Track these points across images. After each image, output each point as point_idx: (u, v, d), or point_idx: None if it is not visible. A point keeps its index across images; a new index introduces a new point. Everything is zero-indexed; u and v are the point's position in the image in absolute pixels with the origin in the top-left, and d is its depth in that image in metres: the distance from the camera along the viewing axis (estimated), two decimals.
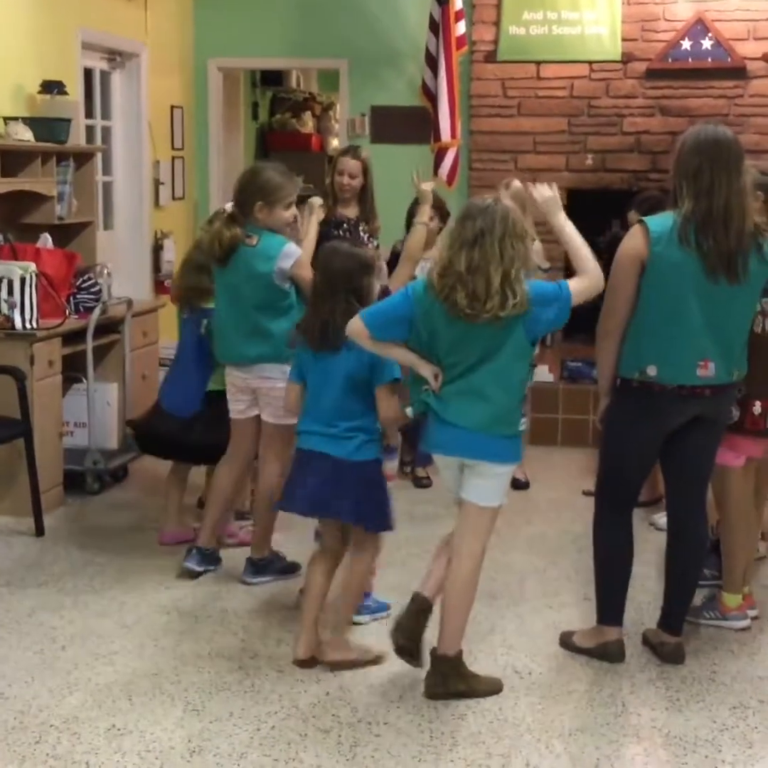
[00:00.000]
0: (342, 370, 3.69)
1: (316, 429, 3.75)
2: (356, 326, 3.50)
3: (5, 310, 5.19)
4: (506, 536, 4.97)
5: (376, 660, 3.78)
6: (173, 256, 7.60)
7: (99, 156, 6.69)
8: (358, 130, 8.01)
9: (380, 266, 4.76)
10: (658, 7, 7.32)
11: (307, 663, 3.79)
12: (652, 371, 3.63)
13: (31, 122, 5.68)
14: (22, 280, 5.22)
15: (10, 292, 5.19)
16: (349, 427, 3.70)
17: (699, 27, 7.23)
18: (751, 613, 4.21)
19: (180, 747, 3.28)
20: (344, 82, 8.09)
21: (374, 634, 4.01)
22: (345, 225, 5.34)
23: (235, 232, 4.29)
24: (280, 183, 4.29)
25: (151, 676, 3.73)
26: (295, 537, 4.76)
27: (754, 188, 3.89)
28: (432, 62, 7.16)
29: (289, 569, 4.57)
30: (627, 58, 7.38)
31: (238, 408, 4.51)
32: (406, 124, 7.73)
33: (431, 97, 7.19)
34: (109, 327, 5.98)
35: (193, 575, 4.56)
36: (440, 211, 5.57)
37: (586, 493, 5.20)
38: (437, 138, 7.15)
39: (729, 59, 7.24)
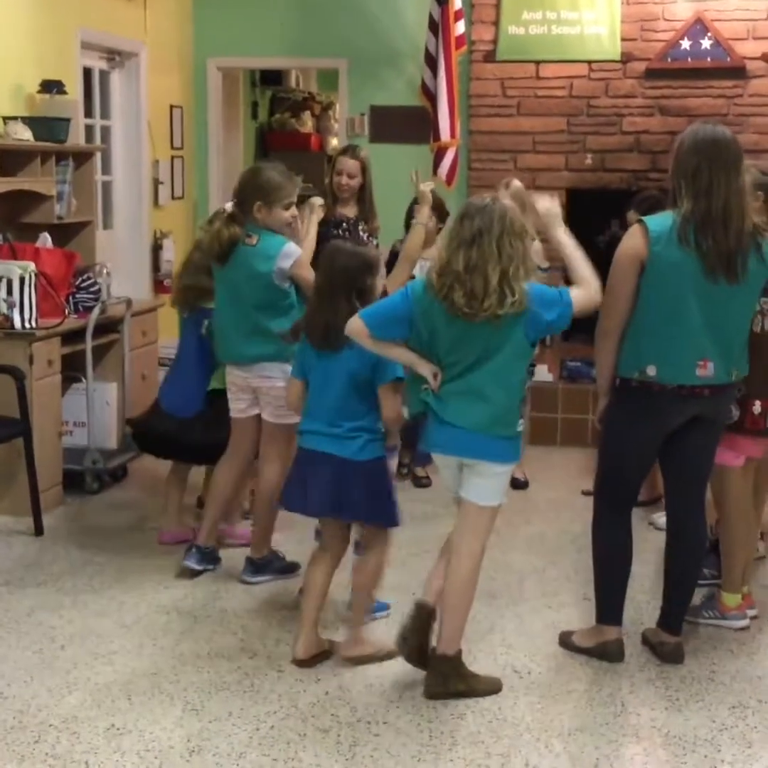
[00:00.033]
0: (344, 369, 3.69)
1: (319, 428, 3.74)
2: (356, 325, 3.50)
3: (4, 309, 5.19)
4: (505, 536, 4.97)
5: (391, 654, 3.76)
6: (172, 255, 7.60)
7: (98, 155, 6.69)
8: (357, 130, 8.01)
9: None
10: (657, 6, 7.32)
11: (307, 662, 3.79)
12: (651, 371, 3.63)
13: (30, 122, 5.68)
14: (22, 280, 5.22)
15: (10, 291, 5.19)
16: (352, 427, 3.70)
17: (698, 27, 7.23)
18: (751, 612, 4.21)
19: (179, 746, 3.28)
20: (343, 81, 8.09)
21: (374, 634, 4.01)
22: (344, 224, 5.34)
23: (234, 230, 4.29)
24: (279, 183, 4.29)
25: (151, 675, 3.73)
26: (295, 537, 4.76)
27: (754, 188, 3.89)
28: (431, 62, 7.16)
29: (289, 569, 4.57)
30: (626, 58, 7.37)
31: (238, 407, 4.51)
32: (406, 124, 7.72)
33: (430, 96, 7.19)
34: (109, 326, 5.98)
35: (192, 574, 4.56)
36: (439, 210, 5.57)
37: (585, 493, 5.20)
38: (436, 138, 7.15)
39: (728, 59, 7.24)
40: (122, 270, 7.01)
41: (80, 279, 5.82)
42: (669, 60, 7.32)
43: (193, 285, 4.71)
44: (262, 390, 4.40)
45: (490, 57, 7.51)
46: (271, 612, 4.26)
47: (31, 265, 5.33)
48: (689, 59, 7.28)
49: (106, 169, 7.23)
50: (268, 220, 4.28)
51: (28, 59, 5.94)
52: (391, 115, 7.88)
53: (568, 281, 3.56)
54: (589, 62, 7.42)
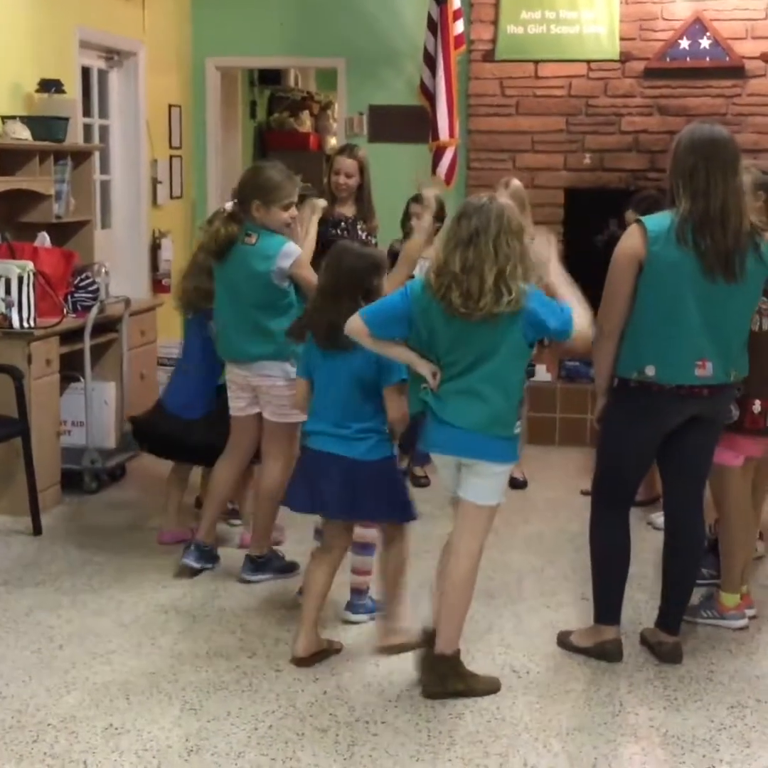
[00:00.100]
0: (349, 369, 3.69)
1: (326, 429, 3.75)
2: (356, 324, 3.51)
3: (3, 308, 5.19)
4: (504, 535, 4.97)
5: (422, 643, 3.74)
6: (171, 255, 7.60)
7: (97, 155, 6.69)
8: (356, 130, 8.00)
9: None
10: (656, 6, 7.31)
11: (306, 661, 3.79)
12: (650, 371, 3.63)
13: (28, 121, 5.67)
14: (20, 279, 5.21)
15: (8, 290, 5.19)
16: (361, 428, 3.70)
17: (697, 26, 7.22)
18: (749, 612, 4.21)
19: (177, 746, 3.28)
20: (342, 81, 8.08)
21: (373, 634, 4.02)
22: (342, 224, 5.35)
23: (232, 229, 4.30)
24: (278, 183, 4.29)
25: (149, 675, 3.73)
26: (295, 536, 4.76)
27: (755, 188, 3.89)
28: (430, 61, 7.15)
29: (288, 568, 4.57)
30: (625, 58, 7.37)
31: (238, 405, 4.51)
32: (405, 124, 7.72)
33: (429, 96, 7.18)
34: (107, 326, 5.98)
35: (191, 572, 4.56)
36: (438, 210, 5.56)
37: (584, 493, 5.19)
38: (435, 137, 7.14)
39: (727, 58, 7.23)
40: (121, 269, 7.00)
41: (79, 278, 5.82)
42: (668, 59, 7.31)
43: (198, 286, 4.69)
44: (262, 389, 4.40)
45: (488, 56, 7.50)
46: (270, 611, 4.25)
47: (30, 265, 5.33)
48: (688, 59, 7.27)
49: (105, 168, 7.22)
50: (266, 219, 4.28)
51: (26, 58, 5.94)
52: (389, 115, 7.88)
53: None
54: (588, 62, 7.41)
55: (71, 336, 5.59)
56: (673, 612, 3.91)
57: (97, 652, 3.89)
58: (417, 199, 5.85)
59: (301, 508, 3.91)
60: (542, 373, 6.76)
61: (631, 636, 4.00)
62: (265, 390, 4.39)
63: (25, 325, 5.24)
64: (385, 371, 3.66)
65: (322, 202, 4.67)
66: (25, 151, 5.59)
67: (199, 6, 8.05)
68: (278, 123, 10.57)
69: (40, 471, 5.14)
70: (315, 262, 4.21)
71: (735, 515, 4.10)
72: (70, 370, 5.67)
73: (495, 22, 7.47)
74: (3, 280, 5.18)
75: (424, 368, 3.49)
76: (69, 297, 5.71)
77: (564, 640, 3.99)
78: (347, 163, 5.38)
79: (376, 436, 3.72)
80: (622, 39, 7.35)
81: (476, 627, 4.03)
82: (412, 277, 4.02)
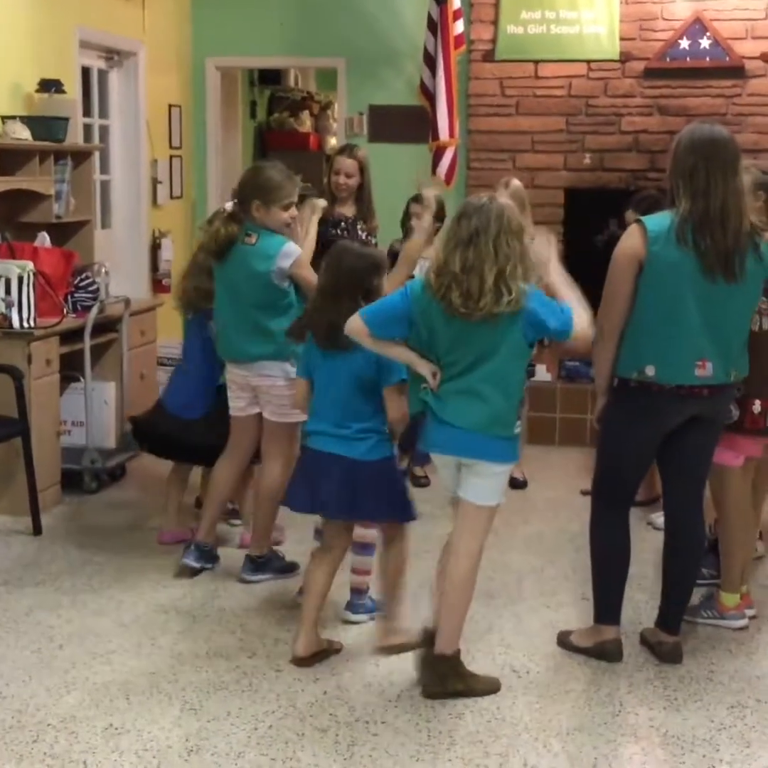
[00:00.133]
0: (350, 369, 3.69)
1: (327, 429, 3.75)
2: (356, 324, 3.51)
3: (3, 308, 5.19)
4: (504, 535, 4.97)
5: (422, 643, 3.74)
6: (171, 255, 7.60)
7: (97, 155, 6.69)
8: (356, 129, 8.00)
9: None
10: (656, 6, 7.31)
11: (306, 661, 3.79)
12: (650, 371, 3.63)
13: (28, 121, 5.67)
14: (20, 279, 5.21)
15: (8, 290, 5.19)
16: (361, 428, 3.71)
17: (697, 26, 7.22)
18: (749, 612, 4.21)
19: (177, 746, 3.28)
20: (342, 81, 8.08)
21: (373, 634, 4.02)
22: (342, 224, 5.35)
23: (231, 229, 4.30)
24: (278, 183, 4.29)
25: (149, 675, 3.73)
26: (295, 536, 4.76)
27: (755, 187, 3.89)
28: (430, 61, 7.15)
29: (288, 569, 4.57)
30: (625, 58, 7.37)
31: (238, 405, 4.51)
32: (404, 124, 7.72)
33: (429, 96, 7.18)
34: (107, 326, 5.98)
35: (191, 572, 4.56)
36: (438, 210, 5.56)
37: (583, 493, 5.19)
38: (435, 137, 7.14)
39: (727, 58, 7.23)
40: (121, 269, 7.00)
41: (79, 278, 5.82)
42: (668, 59, 7.31)
43: (198, 286, 4.69)
44: (261, 389, 4.40)
45: (488, 56, 7.50)
46: (270, 611, 4.25)
47: (30, 265, 5.33)
48: (688, 59, 7.27)
49: (105, 168, 7.22)
50: (266, 219, 4.28)
51: (26, 58, 5.94)
52: (389, 115, 7.88)
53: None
54: (588, 62, 7.41)
55: (71, 336, 5.59)
56: (673, 612, 3.91)
57: (97, 652, 3.89)
58: (417, 199, 5.85)
59: (301, 508, 3.91)
60: (542, 373, 6.76)
61: (631, 636, 4.00)
62: (265, 390, 4.39)
63: (25, 325, 5.24)
64: (385, 371, 3.66)
65: (322, 202, 4.67)
66: (25, 151, 5.59)
67: (199, 6, 8.05)
68: (278, 123, 10.57)
69: (40, 471, 5.14)
70: (315, 262, 4.21)
71: (735, 515, 4.10)
72: (70, 370, 5.67)
73: (495, 22, 7.47)
74: (3, 280, 5.18)
75: (423, 368, 3.49)
76: (69, 297, 5.71)
77: (564, 640, 3.99)
78: (347, 163, 5.38)
79: (376, 437, 3.72)
80: (622, 39, 7.35)
81: (476, 627, 4.03)
82: (412, 277, 4.02)
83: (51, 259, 5.64)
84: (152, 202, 7.57)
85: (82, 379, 5.74)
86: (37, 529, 5.06)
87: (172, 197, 7.85)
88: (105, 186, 7.24)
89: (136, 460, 5.93)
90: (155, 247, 7.60)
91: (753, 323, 3.81)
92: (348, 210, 5.42)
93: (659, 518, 4.56)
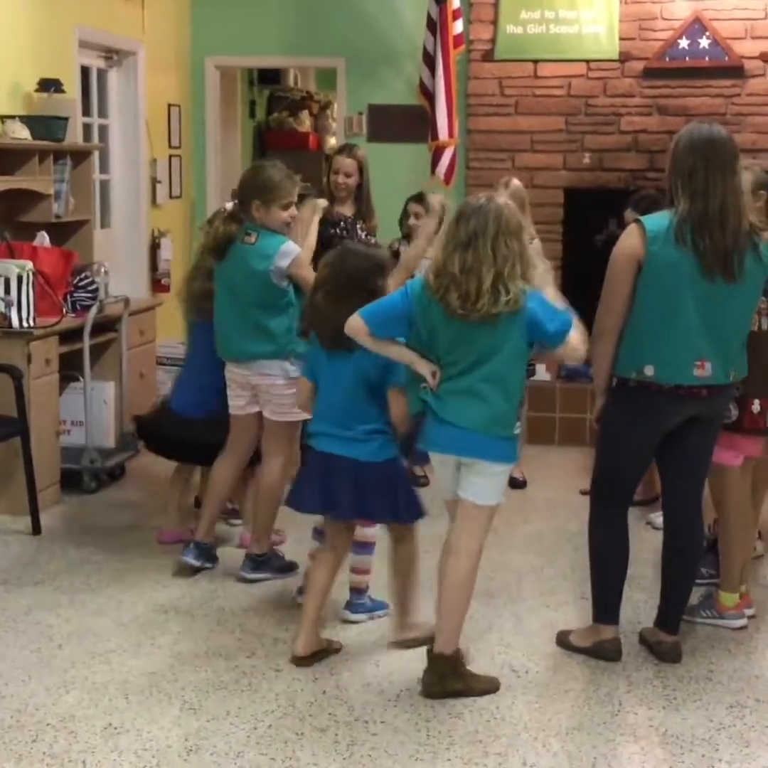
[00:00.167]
0: (355, 370, 3.69)
1: (331, 431, 3.75)
2: (356, 323, 3.50)
3: (2, 308, 5.19)
4: (503, 535, 4.97)
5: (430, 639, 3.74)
6: (170, 254, 7.59)
7: (96, 154, 6.68)
8: (355, 129, 8.00)
9: None
10: (655, 6, 7.31)
11: (305, 660, 3.79)
12: (649, 371, 3.63)
13: (28, 120, 5.67)
14: (19, 279, 5.21)
15: (7, 290, 5.19)
16: (366, 429, 3.71)
17: (696, 26, 7.22)
18: (748, 612, 4.21)
19: (177, 746, 3.28)
20: (342, 80, 8.08)
21: (372, 634, 4.02)
22: (342, 223, 5.35)
23: (230, 228, 4.32)
24: (278, 182, 4.29)
25: (148, 674, 3.73)
26: (295, 536, 4.76)
27: (755, 187, 3.89)
28: (429, 61, 7.15)
29: (288, 568, 4.57)
30: (624, 57, 7.36)
31: (237, 404, 4.51)
32: (404, 123, 7.72)
33: (429, 95, 7.18)
34: (106, 325, 5.98)
35: (191, 570, 4.56)
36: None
37: (583, 493, 5.18)
38: (434, 137, 7.14)
39: (726, 58, 7.23)
40: (120, 269, 7.00)
41: (78, 278, 5.82)
42: (667, 59, 7.31)
43: (203, 289, 4.64)
44: (261, 387, 4.40)
45: (488, 56, 7.50)
46: (269, 611, 4.25)
47: (29, 264, 5.33)
48: (687, 58, 7.27)
49: (104, 167, 7.22)
50: (265, 219, 4.29)
51: (25, 58, 5.93)
52: (389, 115, 7.87)
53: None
54: (588, 61, 7.41)
55: (70, 335, 5.59)
56: (673, 611, 3.91)
57: (96, 651, 3.89)
58: (416, 198, 5.86)
59: (310, 509, 3.88)
60: (542, 373, 6.75)
61: (630, 635, 4.00)
62: (265, 389, 4.39)
63: (25, 324, 5.24)
64: (390, 372, 3.65)
65: (323, 203, 4.68)
66: (25, 150, 5.59)
67: (199, 5, 8.05)
68: (277, 122, 10.57)
69: (39, 470, 5.14)
70: (314, 262, 4.21)
71: (734, 515, 4.10)
72: (69, 369, 5.67)
73: (494, 22, 7.46)
74: (2, 279, 5.18)
75: (423, 368, 3.49)
76: (68, 296, 5.71)
77: (563, 640, 3.99)
78: (346, 163, 5.38)
79: (382, 437, 3.72)
80: (621, 39, 7.34)
81: (476, 627, 4.04)
82: (412, 276, 4.02)
83: (50, 259, 5.64)
84: (151, 201, 7.57)
85: (81, 379, 5.74)
86: (36, 529, 5.05)
87: (171, 197, 7.84)
88: (104, 185, 7.23)
89: (135, 459, 5.93)
90: (154, 247, 7.59)
91: (753, 323, 3.82)
92: (347, 209, 5.42)
93: (658, 518, 4.56)
